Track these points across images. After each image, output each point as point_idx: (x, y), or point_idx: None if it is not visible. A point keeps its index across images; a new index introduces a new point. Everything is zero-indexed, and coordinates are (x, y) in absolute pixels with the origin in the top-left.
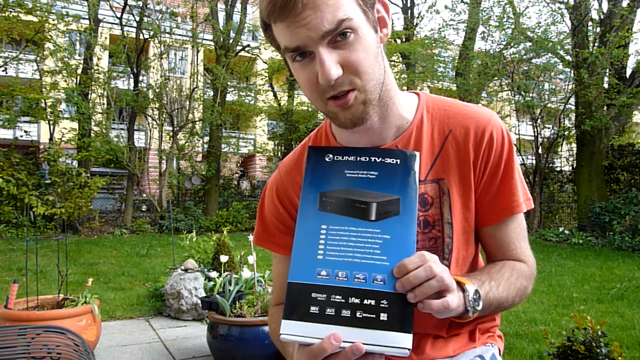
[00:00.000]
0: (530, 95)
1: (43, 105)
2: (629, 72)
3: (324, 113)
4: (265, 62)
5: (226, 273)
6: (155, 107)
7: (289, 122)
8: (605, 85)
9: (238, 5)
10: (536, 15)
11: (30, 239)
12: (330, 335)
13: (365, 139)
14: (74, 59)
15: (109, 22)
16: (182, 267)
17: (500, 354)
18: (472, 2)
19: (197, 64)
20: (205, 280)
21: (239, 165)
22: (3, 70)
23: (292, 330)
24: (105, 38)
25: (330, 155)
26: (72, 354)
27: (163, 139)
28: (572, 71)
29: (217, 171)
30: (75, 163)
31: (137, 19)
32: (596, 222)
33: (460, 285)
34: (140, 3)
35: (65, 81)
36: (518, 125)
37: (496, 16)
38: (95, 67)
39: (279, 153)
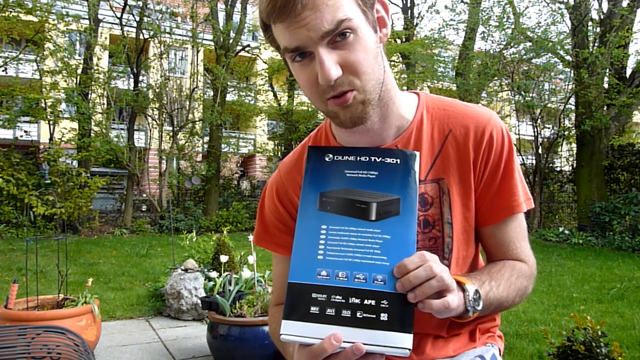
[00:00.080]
0: (530, 95)
1: (43, 105)
2: (629, 72)
3: (325, 113)
4: (265, 62)
5: (226, 273)
6: (155, 107)
7: (289, 122)
8: (605, 85)
9: (238, 5)
10: (536, 15)
11: (30, 239)
12: (330, 336)
13: (365, 139)
14: (74, 59)
15: (109, 22)
16: (182, 267)
17: (500, 354)
18: (472, 2)
19: (197, 64)
20: (205, 280)
21: (239, 165)
22: (3, 70)
23: (292, 331)
24: (105, 38)
25: (330, 155)
26: (72, 354)
27: (163, 139)
28: (572, 71)
29: (217, 171)
30: (75, 163)
31: (137, 19)
32: (596, 222)
33: (461, 285)
34: (140, 3)
35: (65, 81)
36: (518, 125)
37: (496, 16)
38: (95, 67)
39: (279, 153)
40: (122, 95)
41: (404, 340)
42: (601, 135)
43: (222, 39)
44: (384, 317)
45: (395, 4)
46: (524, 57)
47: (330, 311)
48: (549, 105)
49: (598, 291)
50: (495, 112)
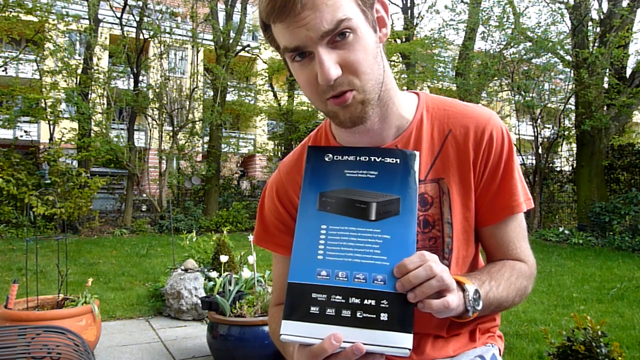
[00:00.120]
0: (530, 95)
1: (43, 105)
2: (629, 72)
3: (324, 113)
4: (265, 62)
5: (226, 273)
6: (155, 107)
7: (289, 122)
8: (605, 85)
9: (238, 5)
10: (536, 15)
11: (30, 239)
12: (330, 336)
13: (365, 139)
14: (74, 59)
15: (109, 22)
16: (182, 267)
17: (500, 354)
18: (472, 2)
19: (197, 64)
20: (205, 280)
21: (239, 165)
22: (3, 70)
23: (292, 331)
24: (105, 38)
25: (330, 155)
26: (72, 354)
27: (163, 139)
28: (572, 71)
29: (217, 171)
30: (75, 163)
31: (137, 19)
32: (596, 222)
33: (460, 285)
34: (140, 3)
35: (65, 81)
36: (518, 125)
37: (496, 16)
38: (95, 67)
39: (279, 153)
40: (122, 95)
41: (404, 340)
42: (601, 135)
43: (222, 39)
44: (384, 317)
45: (395, 4)
46: (524, 57)
47: (330, 311)
48: (549, 105)
49: (598, 291)
50: (495, 112)
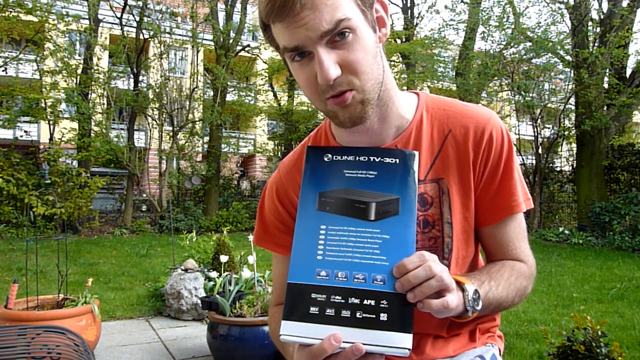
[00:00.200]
0: (530, 95)
1: (43, 105)
2: (629, 72)
3: (324, 113)
4: (265, 62)
5: (226, 273)
6: (155, 107)
7: (289, 122)
8: (605, 85)
9: (238, 5)
10: (536, 15)
11: (30, 239)
12: (330, 336)
13: (365, 139)
14: (74, 59)
15: (109, 22)
16: (182, 267)
17: (500, 354)
18: (472, 2)
19: (197, 64)
20: (205, 280)
21: (239, 165)
22: (3, 70)
23: (292, 331)
24: (105, 38)
25: (329, 155)
26: (72, 354)
27: (163, 139)
28: (572, 71)
29: (217, 171)
30: (75, 163)
31: (137, 19)
32: (596, 222)
33: (460, 285)
34: (140, 3)
35: (65, 81)
36: (518, 125)
37: (496, 16)
38: (95, 67)
39: (279, 153)
40: (122, 95)
41: (404, 340)
42: (601, 135)
43: (222, 39)
44: (383, 317)
45: (395, 4)
46: (524, 57)
47: (329, 311)
48: (549, 105)
49: (598, 291)
50: (495, 112)
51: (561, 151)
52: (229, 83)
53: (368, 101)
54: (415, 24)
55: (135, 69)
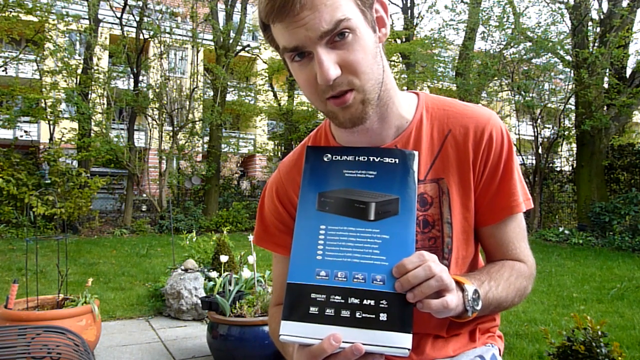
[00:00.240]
0: (530, 95)
1: (43, 105)
2: (629, 72)
3: (324, 113)
4: (265, 62)
5: (226, 273)
6: (155, 107)
7: (289, 122)
8: (605, 85)
9: (238, 5)
10: (536, 15)
11: (30, 239)
12: (329, 336)
13: (365, 139)
14: (74, 59)
15: (109, 22)
16: (182, 267)
17: (500, 354)
18: (472, 2)
19: (197, 64)
20: (205, 280)
21: (239, 165)
22: (3, 70)
23: (292, 331)
24: (105, 38)
25: (329, 155)
26: (72, 354)
27: (163, 139)
28: (572, 71)
29: (217, 171)
30: (75, 163)
31: (137, 19)
32: (596, 222)
33: (460, 285)
34: (140, 3)
35: (65, 81)
36: (518, 125)
37: (496, 16)
38: (95, 67)
39: (279, 153)
40: (122, 95)
41: (403, 340)
42: (601, 135)
43: (222, 39)
44: (383, 317)
45: (395, 4)
46: (524, 57)
47: (329, 311)
48: (549, 105)
49: (598, 291)
50: (495, 112)
51: (561, 151)
52: (229, 83)
53: (368, 101)
54: (415, 24)
55: (135, 69)
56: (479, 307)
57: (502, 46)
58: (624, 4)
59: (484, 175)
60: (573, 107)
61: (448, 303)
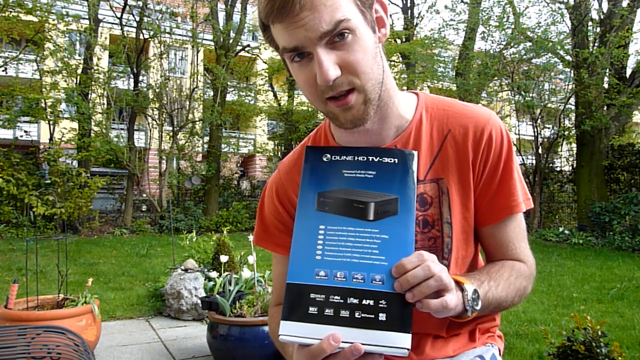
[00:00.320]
0: (530, 95)
1: (43, 105)
2: (629, 72)
3: (324, 113)
4: (265, 62)
5: (226, 273)
6: (155, 107)
7: (289, 122)
8: (605, 85)
9: (238, 5)
10: (536, 15)
11: (30, 239)
12: (329, 336)
13: (365, 139)
14: (74, 59)
15: (109, 22)
16: (182, 267)
17: (500, 354)
18: (472, 2)
19: (197, 64)
20: (205, 280)
21: (239, 165)
22: (3, 70)
23: (291, 331)
24: (105, 38)
25: (328, 155)
26: (72, 354)
27: (163, 139)
28: (572, 71)
29: (217, 171)
30: (75, 163)
31: (137, 19)
32: (596, 222)
33: (459, 285)
34: (140, 3)
35: (65, 81)
36: (518, 125)
37: (496, 16)
38: (95, 67)
39: (279, 153)
40: (122, 95)
41: (403, 340)
42: (601, 135)
43: (222, 39)
44: (382, 317)
45: (395, 4)
46: (524, 57)
47: (328, 311)
48: (549, 105)
49: (598, 291)
50: (495, 112)
51: (561, 151)
52: (229, 83)
53: (369, 101)
54: (415, 24)
55: (135, 69)
56: (478, 307)
57: (502, 46)
58: (624, 4)
59: (483, 175)
60: (573, 107)
61: (447, 303)
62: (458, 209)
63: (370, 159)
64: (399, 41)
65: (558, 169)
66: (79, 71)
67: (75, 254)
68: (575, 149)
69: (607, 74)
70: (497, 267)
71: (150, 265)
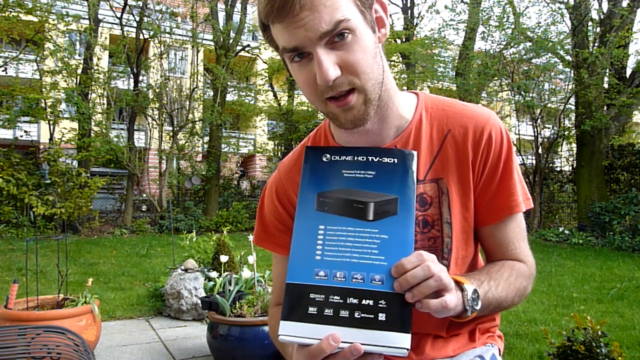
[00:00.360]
0: (530, 95)
1: (43, 105)
2: (629, 72)
3: (324, 113)
4: (265, 62)
5: (226, 273)
6: (155, 107)
7: (289, 122)
8: (605, 85)
9: (238, 5)
10: (536, 15)
11: (30, 239)
12: (328, 336)
13: (365, 139)
14: (74, 59)
15: (109, 22)
16: (182, 267)
17: (500, 354)
18: (472, 2)
19: (197, 64)
20: (205, 280)
21: (239, 165)
22: (3, 70)
23: (291, 331)
24: (105, 38)
25: (328, 155)
26: (72, 354)
27: (163, 139)
28: (572, 71)
29: (217, 171)
30: (75, 163)
31: (137, 19)
32: (596, 222)
33: (459, 285)
34: (140, 3)
35: (65, 81)
36: (518, 125)
37: (496, 16)
38: (95, 67)
39: (279, 153)
40: (122, 95)
41: (402, 340)
42: (601, 135)
43: (222, 39)
44: (382, 317)
45: (395, 4)
46: (524, 57)
47: (328, 311)
48: (549, 105)
49: (598, 291)
50: (495, 112)
51: (561, 151)
52: (229, 83)
53: (370, 101)
54: (415, 24)
55: (135, 69)
56: (478, 307)
57: (502, 46)
58: (624, 4)
59: (483, 175)
60: (573, 107)
61: (447, 303)
62: (458, 209)
63: (370, 159)
64: (399, 41)
65: (558, 169)
66: (79, 71)
67: (75, 254)
68: (575, 149)
69: (607, 74)
70: (497, 267)
71: (150, 265)
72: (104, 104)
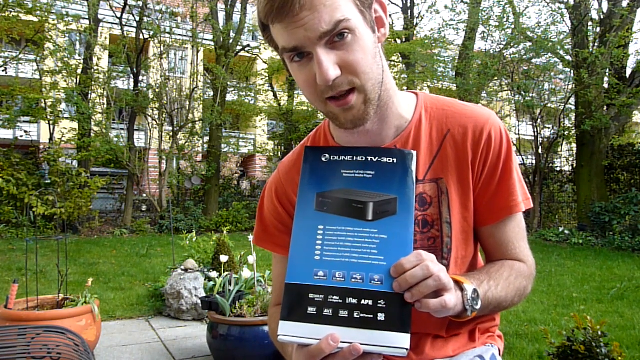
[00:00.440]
0: (530, 95)
1: (43, 105)
2: (629, 72)
3: (324, 113)
4: (265, 62)
5: (226, 273)
6: (155, 107)
7: (289, 122)
8: (605, 85)
9: (238, 5)
10: (536, 15)
11: (30, 239)
12: (328, 336)
13: (365, 139)
14: (74, 59)
15: (109, 22)
16: (182, 267)
17: (500, 354)
18: (472, 2)
19: (197, 64)
20: (205, 280)
21: (239, 165)
22: (3, 70)
23: (290, 331)
24: (105, 38)
25: (327, 155)
26: (72, 354)
27: (163, 139)
28: (572, 71)
29: (217, 171)
30: (75, 163)
31: (137, 19)
32: (596, 222)
33: (459, 285)
34: (140, 3)
35: (65, 81)
36: (518, 125)
37: (496, 16)
38: (95, 67)
39: (279, 153)
40: (122, 95)
41: (402, 340)
42: (601, 135)
43: (222, 39)
44: (381, 317)
45: (395, 4)
46: (524, 57)
47: (327, 311)
48: (549, 105)
49: (598, 291)
50: (495, 112)
51: (561, 151)
52: (229, 83)
53: (370, 101)
54: (415, 24)
55: (135, 69)
56: (478, 307)
57: (502, 46)
58: (624, 4)
59: (483, 175)
60: (573, 107)
61: (447, 302)
62: (457, 208)
63: (369, 159)
64: (399, 41)
65: (558, 169)
66: (79, 71)
67: (75, 254)
68: (575, 149)
69: (607, 74)
70: (497, 267)
71: (150, 265)
72: (104, 104)
